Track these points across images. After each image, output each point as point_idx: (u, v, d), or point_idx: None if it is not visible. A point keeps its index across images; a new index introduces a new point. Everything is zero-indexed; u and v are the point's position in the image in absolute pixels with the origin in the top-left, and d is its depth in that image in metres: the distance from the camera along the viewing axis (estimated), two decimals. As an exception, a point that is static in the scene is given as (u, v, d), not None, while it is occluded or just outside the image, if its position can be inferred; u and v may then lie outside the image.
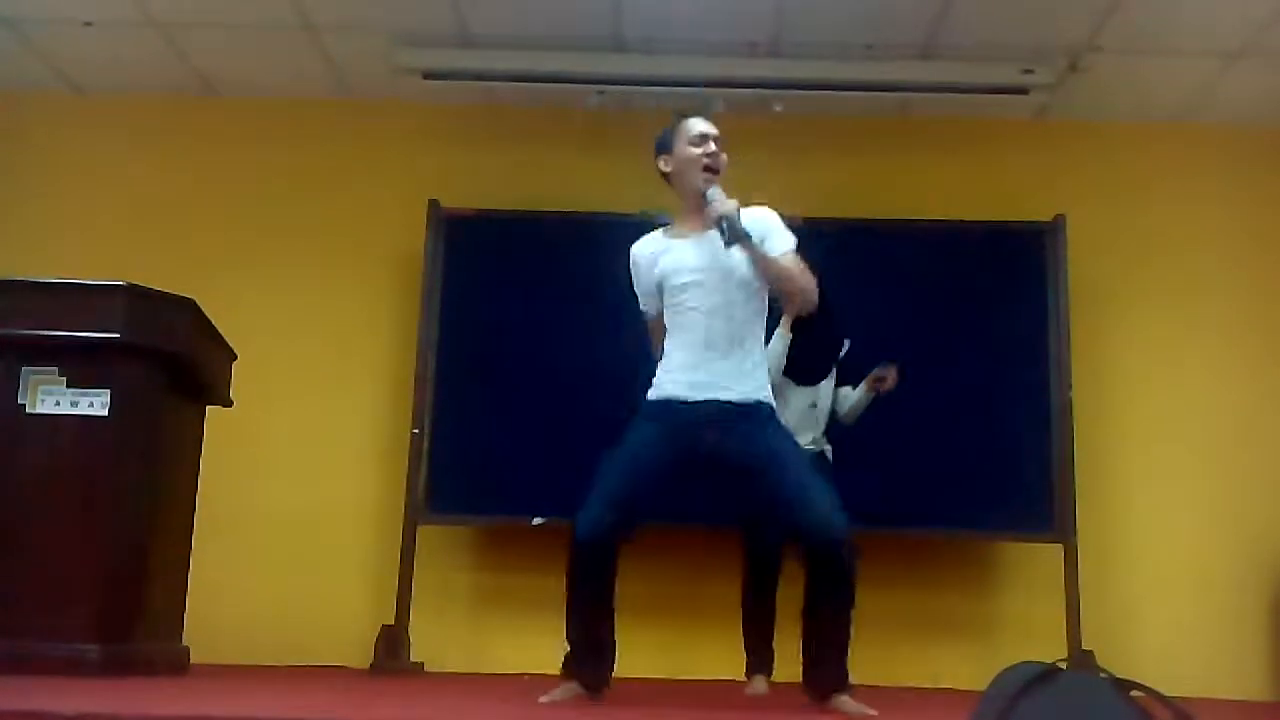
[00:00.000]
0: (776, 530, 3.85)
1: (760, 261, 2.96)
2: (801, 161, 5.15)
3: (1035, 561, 4.75)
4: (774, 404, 3.05)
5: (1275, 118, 5.16)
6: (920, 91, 4.97)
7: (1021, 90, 4.85)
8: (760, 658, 3.92)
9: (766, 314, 3.09)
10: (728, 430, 2.93)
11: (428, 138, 5.30)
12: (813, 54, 4.83)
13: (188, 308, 3.41)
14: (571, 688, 2.92)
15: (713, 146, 3.05)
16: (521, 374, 4.75)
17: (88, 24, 4.77)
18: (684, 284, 3.00)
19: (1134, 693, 1.49)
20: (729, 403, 2.94)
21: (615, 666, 2.96)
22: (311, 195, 5.25)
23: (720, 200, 2.94)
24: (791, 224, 3.08)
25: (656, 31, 4.76)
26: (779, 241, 3.02)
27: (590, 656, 2.93)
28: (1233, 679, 4.70)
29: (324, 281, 5.16)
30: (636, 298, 3.14)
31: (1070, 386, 4.73)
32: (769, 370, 3.78)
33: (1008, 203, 5.03)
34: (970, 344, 4.80)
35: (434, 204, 4.95)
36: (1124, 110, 5.18)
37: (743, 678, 3.96)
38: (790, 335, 3.99)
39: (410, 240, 4.98)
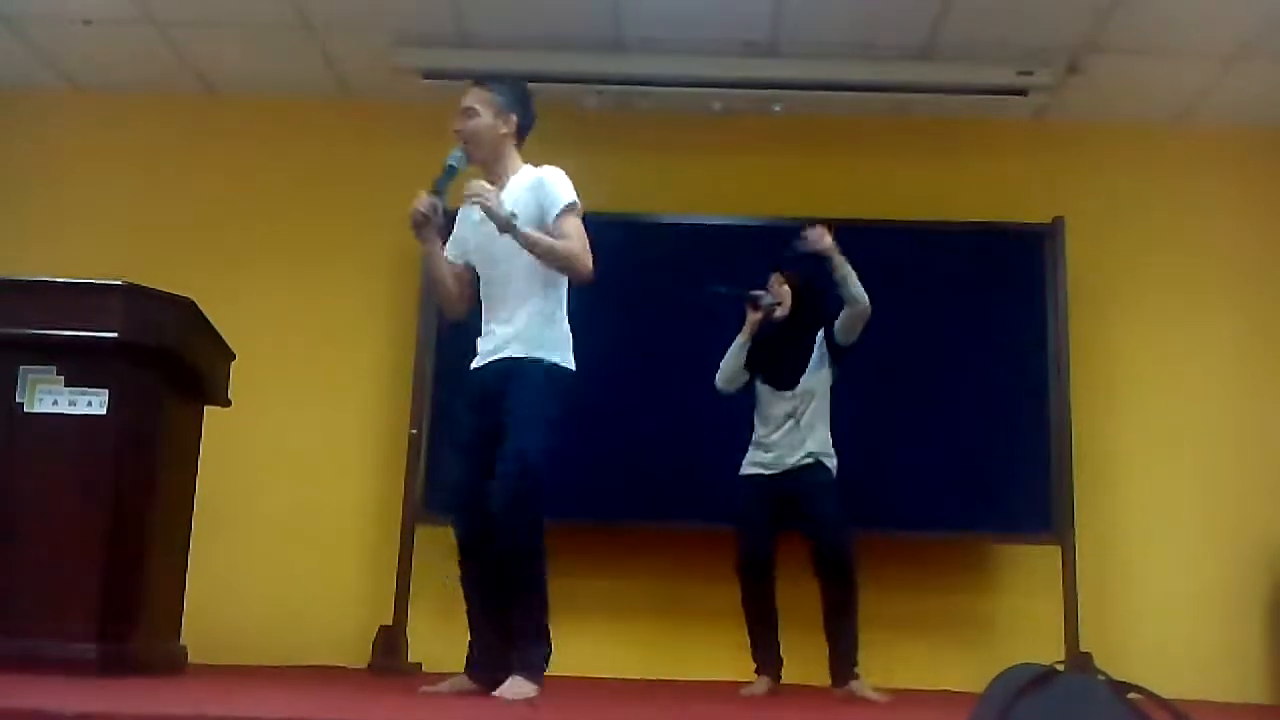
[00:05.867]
0: (769, 529, 3.86)
1: (526, 247, 3.01)
2: (799, 162, 5.14)
3: (1033, 563, 4.75)
4: (557, 365, 3.04)
5: (1275, 119, 5.16)
6: (919, 92, 4.97)
7: (1020, 91, 4.85)
8: (762, 658, 3.90)
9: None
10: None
11: (427, 137, 5.25)
12: (811, 54, 4.83)
13: (186, 307, 3.40)
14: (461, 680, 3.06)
15: (459, 121, 3.20)
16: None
17: (87, 22, 4.77)
18: (470, 251, 3.23)
19: (1131, 695, 1.49)
20: (508, 358, 3.05)
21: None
22: (310, 195, 5.25)
23: (476, 189, 3.03)
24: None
25: (655, 31, 4.76)
26: (554, 209, 3.11)
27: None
28: (1230, 681, 4.70)
29: (323, 281, 5.16)
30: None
31: (1069, 388, 4.72)
32: (720, 378, 3.89)
33: (1006, 204, 5.03)
34: (969, 346, 4.80)
35: (433, 204, 4.94)
36: (1123, 112, 5.18)
37: (724, 678, 3.97)
38: (748, 343, 3.93)
39: (408, 240, 4.93)
